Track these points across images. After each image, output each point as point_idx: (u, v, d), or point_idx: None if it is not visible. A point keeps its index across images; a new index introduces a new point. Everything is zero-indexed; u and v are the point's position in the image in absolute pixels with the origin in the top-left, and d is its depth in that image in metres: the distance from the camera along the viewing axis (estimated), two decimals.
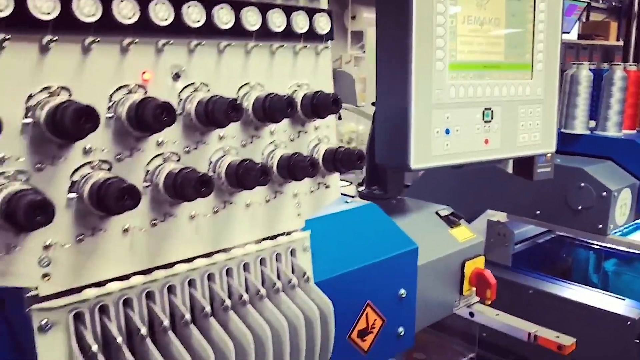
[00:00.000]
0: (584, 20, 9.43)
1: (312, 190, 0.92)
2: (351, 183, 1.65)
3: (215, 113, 0.72)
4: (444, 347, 1.89)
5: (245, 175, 0.75)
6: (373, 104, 1.42)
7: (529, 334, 1.34)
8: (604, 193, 1.99)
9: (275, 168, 0.83)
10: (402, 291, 1.14)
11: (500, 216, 2.45)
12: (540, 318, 1.65)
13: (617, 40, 8.90)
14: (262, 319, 0.80)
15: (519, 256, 2.47)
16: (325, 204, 0.94)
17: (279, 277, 0.86)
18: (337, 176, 0.95)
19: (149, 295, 0.74)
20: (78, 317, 0.68)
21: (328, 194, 0.94)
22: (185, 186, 0.69)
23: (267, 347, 0.79)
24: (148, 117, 0.65)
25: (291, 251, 0.89)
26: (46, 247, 0.65)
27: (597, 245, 2.58)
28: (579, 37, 9.09)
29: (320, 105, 0.84)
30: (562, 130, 2.25)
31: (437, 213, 1.46)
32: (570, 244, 2.64)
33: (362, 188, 1.55)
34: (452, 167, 1.42)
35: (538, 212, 2.17)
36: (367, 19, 6.04)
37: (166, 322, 0.72)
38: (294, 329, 0.83)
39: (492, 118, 1.41)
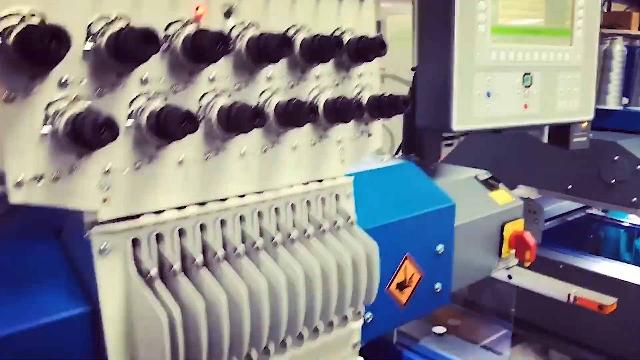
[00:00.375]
0: (606, 10, 9.18)
1: (355, 137, 0.91)
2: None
3: (268, 48, 0.71)
4: (478, 317, 1.87)
5: (296, 112, 0.75)
6: (413, 69, 1.41)
7: (569, 295, 1.32)
8: (638, 166, 1.94)
9: (321, 110, 0.83)
10: (440, 247, 1.13)
11: (530, 193, 2.41)
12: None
13: (639, 29, 8.65)
14: (311, 255, 0.80)
15: (548, 233, 2.43)
16: (368, 151, 0.93)
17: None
18: (379, 124, 0.94)
19: (202, 228, 0.74)
20: (135, 244, 0.69)
21: (370, 142, 0.93)
22: (239, 117, 0.69)
23: (316, 284, 0.79)
24: (205, 46, 0.65)
25: (335, 196, 0.89)
26: (106, 172, 0.65)
27: (628, 223, 2.52)
28: (601, 27, 8.86)
29: (366, 48, 0.83)
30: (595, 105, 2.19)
31: (476, 177, 1.45)
32: (600, 222, 2.59)
33: (398, 155, 1.54)
34: (492, 131, 1.41)
35: (570, 186, 2.13)
36: (385, 9, 5.91)
37: (220, 252, 0.72)
38: (341, 268, 0.82)
39: (531, 83, 1.39)
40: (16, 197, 0.60)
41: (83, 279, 0.70)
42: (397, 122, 1.52)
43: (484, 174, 1.48)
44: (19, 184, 0.60)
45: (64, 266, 0.72)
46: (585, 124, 1.69)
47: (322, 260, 0.80)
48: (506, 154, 2.20)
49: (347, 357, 0.95)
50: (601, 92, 2.19)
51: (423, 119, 1.37)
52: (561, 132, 1.67)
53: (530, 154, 2.19)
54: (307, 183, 0.86)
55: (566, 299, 1.35)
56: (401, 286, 1.07)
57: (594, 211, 2.58)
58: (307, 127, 0.84)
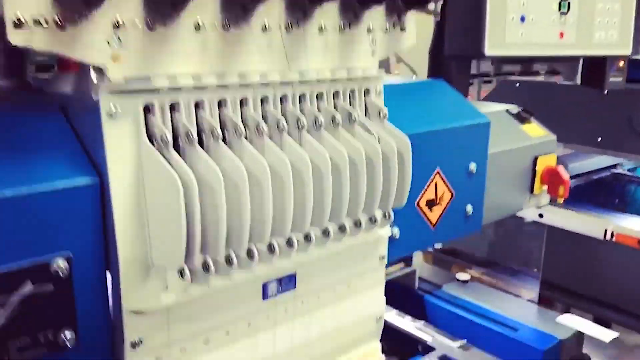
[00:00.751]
0: None
1: (387, 29, 0.82)
2: None
3: None
4: (503, 269, 1.80)
5: None
6: None
7: (606, 230, 1.23)
8: None
9: None
10: (472, 166, 1.05)
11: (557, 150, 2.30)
12: (598, 249, 1.52)
13: None
14: (338, 142, 0.72)
15: (572, 191, 2.32)
16: (400, 47, 0.85)
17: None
18: (413, 20, 0.85)
19: (221, 106, 0.66)
20: (147, 113, 0.61)
21: (403, 37, 0.85)
22: None
23: (344, 173, 0.71)
24: None
25: (365, 91, 0.81)
26: (116, 26, 0.58)
27: None
28: None
29: None
30: None
31: (507, 111, 1.35)
32: (627, 181, 2.47)
33: None
34: (525, 60, 1.31)
35: (600, 138, 2.02)
36: None
37: (241, 127, 0.65)
38: (370, 160, 0.74)
39: (568, 10, 1.29)
40: (16, 38, 0.53)
41: (90, 152, 0.63)
42: (420, 61, 1.44)
43: (514, 108, 1.39)
44: (18, 24, 0.52)
45: (71, 140, 0.64)
46: (622, 63, 1.58)
47: (350, 149, 0.72)
48: (533, 106, 2.10)
49: (373, 269, 0.88)
50: (634, 42, 2.07)
51: (453, 46, 1.27)
52: (596, 70, 1.57)
53: (558, 106, 2.08)
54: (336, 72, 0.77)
55: (603, 236, 1.26)
56: (431, 204, 0.99)
57: (619, 170, 2.47)
58: (335, 7, 0.75)
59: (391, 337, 1.30)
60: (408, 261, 1.56)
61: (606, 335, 1.34)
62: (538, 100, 2.10)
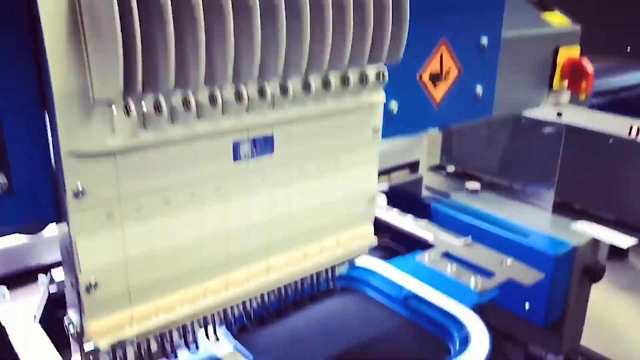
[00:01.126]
0: None
1: None
2: None
3: None
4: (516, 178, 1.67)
5: None
6: None
7: (631, 128, 1.09)
8: None
9: None
10: (484, 40, 0.91)
11: None
12: (620, 160, 1.38)
13: None
14: None
15: (595, 109, 2.16)
16: None
17: None
18: None
19: None
20: None
21: None
22: None
23: (326, 6, 0.59)
24: None
25: None
26: None
27: None
28: None
29: None
30: None
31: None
32: None
33: None
34: None
35: (629, 48, 1.84)
36: None
37: None
38: None
39: None
40: None
41: None
42: None
43: None
44: None
45: None
46: None
47: None
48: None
49: (365, 141, 0.76)
50: None
51: None
52: None
53: (584, 14, 1.89)
54: None
55: (628, 132, 1.12)
56: (435, 79, 0.87)
57: None
58: None
59: (392, 236, 1.22)
60: (414, 167, 1.45)
61: (624, 241, 1.23)
62: (562, 8, 1.92)
